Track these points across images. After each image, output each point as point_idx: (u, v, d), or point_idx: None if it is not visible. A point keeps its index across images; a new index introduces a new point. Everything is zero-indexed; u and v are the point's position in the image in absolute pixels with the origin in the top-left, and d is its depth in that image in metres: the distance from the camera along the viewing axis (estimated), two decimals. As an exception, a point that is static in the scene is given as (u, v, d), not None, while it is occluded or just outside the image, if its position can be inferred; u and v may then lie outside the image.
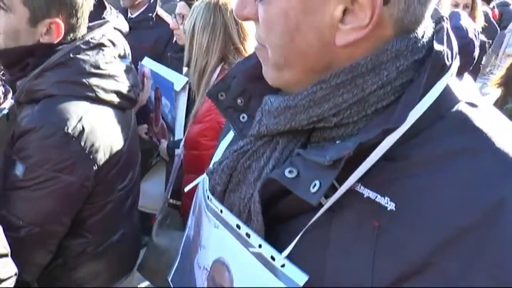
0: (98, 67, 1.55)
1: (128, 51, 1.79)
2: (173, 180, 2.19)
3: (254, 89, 0.81)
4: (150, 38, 3.53)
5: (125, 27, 3.04)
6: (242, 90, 0.83)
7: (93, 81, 1.53)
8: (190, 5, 2.59)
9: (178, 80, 2.38)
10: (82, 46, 1.53)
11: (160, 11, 3.71)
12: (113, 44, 1.65)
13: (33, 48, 1.50)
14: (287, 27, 0.66)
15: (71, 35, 1.55)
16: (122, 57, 1.72)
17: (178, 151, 2.17)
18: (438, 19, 0.73)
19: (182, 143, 2.12)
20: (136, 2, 3.62)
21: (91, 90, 1.52)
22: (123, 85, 1.65)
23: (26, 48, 1.49)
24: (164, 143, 2.43)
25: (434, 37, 0.69)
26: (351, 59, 0.66)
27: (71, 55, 1.50)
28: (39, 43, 1.50)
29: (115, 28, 2.93)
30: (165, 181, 2.47)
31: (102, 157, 1.52)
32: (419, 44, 0.67)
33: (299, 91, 0.69)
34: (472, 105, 0.67)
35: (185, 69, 2.57)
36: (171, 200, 2.20)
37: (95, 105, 1.53)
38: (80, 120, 1.44)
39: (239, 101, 0.83)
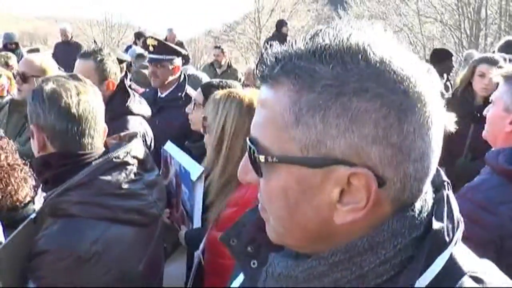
0: (120, 187, 1.57)
1: (151, 161, 1.80)
2: (191, 282, 2.05)
3: (263, 238, 0.81)
4: (179, 117, 3.50)
5: (148, 112, 3.05)
6: (252, 239, 0.86)
7: (114, 202, 1.55)
8: (204, 93, 2.58)
9: (194, 169, 2.36)
10: (105, 165, 1.57)
11: (189, 90, 3.72)
12: (138, 160, 1.68)
13: (44, 159, 1.61)
14: (287, 203, 0.71)
15: (62, 142, 1.60)
16: (149, 170, 1.73)
17: (198, 253, 2.03)
18: (439, 185, 0.75)
19: (202, 245, 1.99)
20: (166, 82, 3.64)
21: (111, 211, 1.54)
22: (145, 203, 1.66)
23: (39, 160, 1.62)
24: (183, 231, 2.40)
25: (434, 210, 0.72)
26: (350, 234, 0.69)
27: (93, 176, 1.54)
28: (46, 155, 1.61)
29: (137, 114, 2.94)
30: (186, 265, 2.43)
31: (113, 280, 1.52)
32: (417, 221, 0.70)
33: (300, 261, 0.73)
34: (477, 279, 0.68)
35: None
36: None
37: (114, 225, 1.55)
38: (95, 243, 1.47)
39: (249, 248, 0.86)
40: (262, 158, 0.70)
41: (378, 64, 0.66)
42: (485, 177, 1.75)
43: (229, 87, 2.64)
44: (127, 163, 1.62)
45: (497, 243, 1.62)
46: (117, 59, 3.82)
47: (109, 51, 3.12)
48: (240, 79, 7.67)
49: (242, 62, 22.65)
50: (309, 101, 0.66)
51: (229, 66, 8.08)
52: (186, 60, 10.05)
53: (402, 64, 0.67)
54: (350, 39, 0.68)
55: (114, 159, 1.58)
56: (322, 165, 0.67)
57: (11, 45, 8.74)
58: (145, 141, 2.91)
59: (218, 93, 2.06)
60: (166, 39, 9.99)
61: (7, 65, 5.47)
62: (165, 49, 3.62)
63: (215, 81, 2.73)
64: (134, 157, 1.65)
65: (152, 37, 3.77)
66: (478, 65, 3.77)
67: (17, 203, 1.88)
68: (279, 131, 0.69)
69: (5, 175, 1.80)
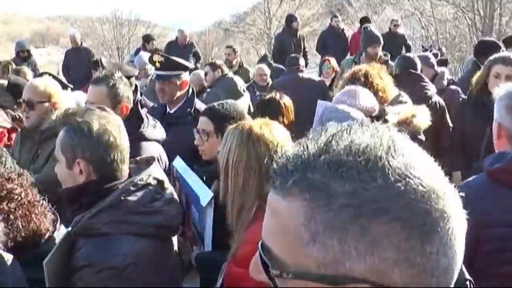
0: (145, 205, 1.80)
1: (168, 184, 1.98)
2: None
3: None
4: (189, 133, 3.47)
5: (163, 136, 3.03)
6: None
7: (141, 218, 1.79)
8: (213, 121, 2.54)
9: (204, 194, 2.37)
10: (131, 188, 1.79)
11: (198, 104, 3.69)
12: (158, 180, 1.89)
13: (82, 188, 1.81)
14: None
15: (106, 170, 1.82)
16: (166, 188, 1.93)
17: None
18: (461, 283, 0.74)
19: (220, 281, 1.97)
20: (175, 98, 3.61)
21: (139, 227, 1.78)
22: (167, 217, 1.87)
23: (75, 188, 1.82)
24: (194, 252, 2.40)
25: None
26: None
27: (122, 197, 1.76)
28: (84, 184, 1.80)
29: (152, 140, 2.93)
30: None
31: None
32: None
33: None
34: None
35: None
36: None
37: (142, 239, 1.78)
38: (127, 255, 1.71)
39: None
40: (277, 272, 0.68)
41: (397, 183, 0.63)
42: (477, 176, 2.00)
43: (233, 107, 2.62)
44: (149, 184, 1.84)
45: (473, 233, 1.74)
46: (125, 76, 3.81)
47: (117, 68, 3.12)
48: (251, 79, 7.64)
49: (253, 53, 22.52)
50: (325, 221, 0.64)
51: (240, 66, 8.04)
52: (197, 58, 10.04)
53: (423, 176, 0.64)
54: (367, 151, 0.64)
55: (138, 182, 1.81)
56: (341, 283, 0.65)
57: (23, 53, 8.89)
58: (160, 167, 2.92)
59: (229, 127, 2.07)
60: (177, 40, 10.00)
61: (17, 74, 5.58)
62: (172, 64, 3.59)
63: (218, 105, 2.66)
64: (154, 178, 1.87)
65: (158, 53, 3.74)
66: (493, 65, 3.66)
67: (39, 240, 1.99)
68: (294, 245, 0.67)
69: (27, 213, 1.88)
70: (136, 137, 2.84)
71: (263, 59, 9.83)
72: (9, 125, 3.73)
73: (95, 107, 1.95)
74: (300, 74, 5.72)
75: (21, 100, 3.17)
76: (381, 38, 5.90)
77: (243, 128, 1.98)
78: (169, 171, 2.90)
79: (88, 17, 27.43)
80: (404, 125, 2.90)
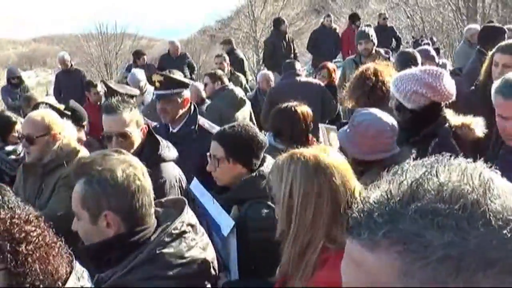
0: (182, 257, 1.67)
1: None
2: None
3: None
4: (196, 153, 3.40)
5: (176, 155, 2.97)
6: None
7: (177, 272, 1.65)
8: (224, 146, 2.46)
9: (225, 223, 2.29)
10: (165, 239, 1.65)
11: (201, 120, 3.62)
12: (192, 226, 1.77)
13: (111, 243, 1.65)
14: None
15: (135, 219, 1.67)
16: (199, 232, 1.82)
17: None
18: None
19: None
20: (177, 117, 3.53)
21: (174, 281, 1.64)
22: (206, 266, 1.77)
23: (103, 244, 1.66)
24: (221, 281, 2.26)
25: None
26: None
27: (157, 251, 1.62)
28: (113, 238, 1.64)
29: (169, 160, 2.87)
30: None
31: None
32: None
33: None
34: None
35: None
36: None
37: None
38: None
39: None
40: None
41: (502, 230, 0.57)
42: None
43: (245, 130, 2.52)
44: (184, 232, 1.71)
45: None
46: (127, 94, 3.74)
47: (123, 89, 3.03)
48: (243, 85, 7.58)
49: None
50: (423, 276, 0.58)
51: (232, 73, 7.97)
52: (191, 69, 9.97)
53: None
54: (461, 195, 0.59)
55: (173, 231, 1.68)
56: None
57: (14, 80, 8.90)
58: (181, 186, 2.90)
59: (280, 158, 1.86)
60: (169, 52, 9.93)
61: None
62: (172, 83, 3.51)
63: (229, 129, 2.57)
64: (188, 224, 1.75)
65: (157, 73, 3.66)
66: (494, 54, 3.63)
67: (58, 282, 1.94)
68: None
69: (44, 255, 1.82)
70: (156, 160, 2.80)
71: (225, 43, 10.07)
72: None
73: (111, 150, 1.80)
74: (298, 78, 5.66)
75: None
76: (371, 34, 5.83)
77: (306, 158, 1.77)
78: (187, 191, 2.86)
79: (73, 34, 27.26)
80: (465, 129, 2.81)
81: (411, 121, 2.80)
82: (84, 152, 3.42)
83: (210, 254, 1.81)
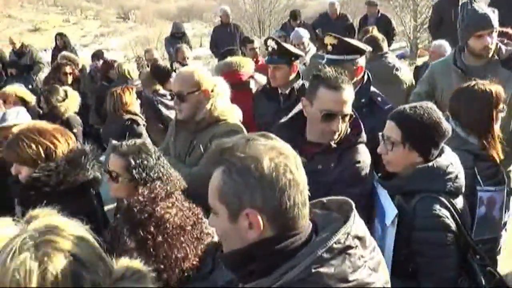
0: (346, 280, 1.30)
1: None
2: None
3: None
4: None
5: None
6: None
7: None
8: (402, 129, 2.25)
9: (390, 211, 2.18)
10: (324, 255, 1.29)
11: (374, 94, 3.20)
12: (359, 239, 1.37)
13: (253, 251, 1.33)
14: None
15: (284, 220, 1.33)
16: (368, 246, 1.41)
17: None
18: None
19: None
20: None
21: None
22: None
23: (244, 252, 1.35)
24: None
25: None
26: None
27: (312, 269, 1.28)
28: (256, 244, 1.33)
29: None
30: None
31: None
32: None
33: None
34: None
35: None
36: None
37: None
38: None
39: None
40: None
41: None
42: None
43: (428, 113, 2.22)
44: (349, 247, 1.33)
45: None
46: (297, 54, 3.47)
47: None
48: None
49: (397, 21, 21.09)
50: None
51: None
52: (351, 32, 9.45)
53: None
54: None
55: (334, 245, 1.31)
56: None
57: (178, 34, 9.66)
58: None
59: None
60: (327, 14, 9.56)
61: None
62: (346, 48, 3.14)
63: (410, 109, 2.26)
64: (355, 237, 1.35)
65: (331, 35, 3.27)
66: None
67: (190, 272, 1.79)
68: None
69: (169, 239, 1.75)
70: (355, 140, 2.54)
71: (370, 4, 9.57)
72: None
73: (257, 134, 1.40)
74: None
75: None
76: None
77: None
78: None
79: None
80: None
81: None
82: (239, 113, 3.24)
83: (382, 277, 1.41)
